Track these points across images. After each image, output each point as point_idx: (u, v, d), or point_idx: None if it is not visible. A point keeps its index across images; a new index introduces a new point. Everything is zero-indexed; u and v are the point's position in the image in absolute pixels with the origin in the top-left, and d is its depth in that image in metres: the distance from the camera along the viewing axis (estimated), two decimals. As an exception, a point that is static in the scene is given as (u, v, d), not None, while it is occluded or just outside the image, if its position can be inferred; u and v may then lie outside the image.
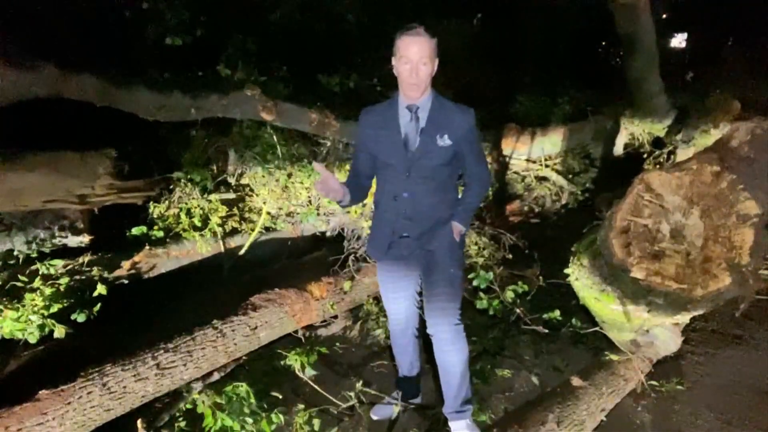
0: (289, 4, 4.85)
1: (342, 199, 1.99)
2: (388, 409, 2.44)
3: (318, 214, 3.98)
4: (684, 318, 2.45)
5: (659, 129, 4.48)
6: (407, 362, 2.41)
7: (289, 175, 3.98)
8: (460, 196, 2.17)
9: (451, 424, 2.16)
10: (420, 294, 2.24)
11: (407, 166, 1.98)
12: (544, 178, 4.95)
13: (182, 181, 3.72)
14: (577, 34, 6.37)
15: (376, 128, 2.03)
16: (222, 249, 3.67)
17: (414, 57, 1.84)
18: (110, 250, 3.22)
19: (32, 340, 2.48)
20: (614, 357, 2.59)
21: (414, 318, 2.31)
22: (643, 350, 2.60)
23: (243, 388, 2.49)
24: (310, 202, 4.03)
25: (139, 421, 2.20)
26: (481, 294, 3.15)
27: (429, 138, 1.95)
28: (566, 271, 2.76)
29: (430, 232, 2.07)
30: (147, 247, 3.35)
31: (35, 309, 2.53)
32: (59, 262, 2.90)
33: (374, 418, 2.44)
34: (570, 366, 2.78)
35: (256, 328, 2.64)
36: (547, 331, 2.98)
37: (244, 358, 2.73)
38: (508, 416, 2.34)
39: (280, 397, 2.57)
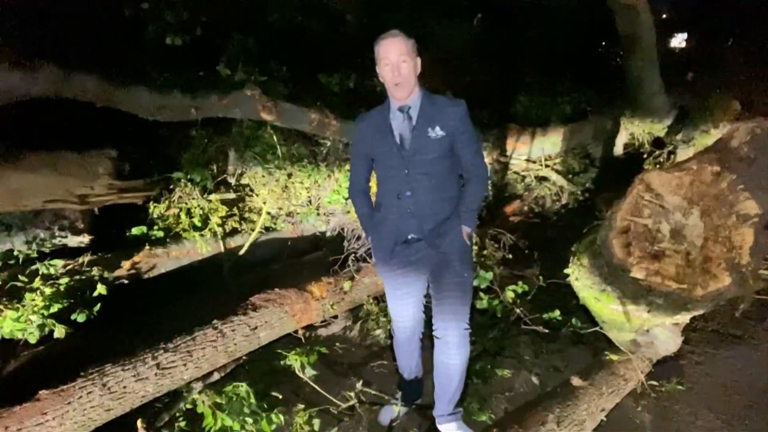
0: (289, 4, 4.84)
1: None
2: (392, 410, 2.43)
3: (318, 214, 3.98)
4: (684, 318, 2.45)
5: (659, 129, 4.48)
6: (411, 366, 2.40)
7: (289, 175, 3.98)
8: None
9: (443, 426, 2.15)
10: (426, 296, 2.22)
11: (405, 164, 2.00)
12: (544, 178, 4.95)
13: (182, 181, 3.71)
14: (577, 34, 6.36)
15: (371, 133, 2.07)
16: (222, 249, 3.67)
17: (392, 57, 1.89)
18: (110, 250, 3.22)
19: (32, 340, 2.48)
20: (614, 357, 2.59)
21: (420, 324, 2.29)
22: (643, 350, 2.60)
23: (243, 388, 2.48)
24: (310, 202, 4.02)
25: (139, 421, 2.19)
26: (481, 294, 3.14)
27: (421, 133, 1.97)
28: (566, 271, 2.76)
29: (438, 232, 2.05)
30: (147, 247, 3.35)
31: (35, 309, 2.53)
32: (59, 262, 2.90)
33: (382, 423, 2.41)
34: (570, 366, 2.78)
35: (256, 328, 2.63)
36: (547, 331, 2.98)
37: (244, 358, 2.73)
38: (508, 416, 2.34)
39: (280, 397, 2.57)
